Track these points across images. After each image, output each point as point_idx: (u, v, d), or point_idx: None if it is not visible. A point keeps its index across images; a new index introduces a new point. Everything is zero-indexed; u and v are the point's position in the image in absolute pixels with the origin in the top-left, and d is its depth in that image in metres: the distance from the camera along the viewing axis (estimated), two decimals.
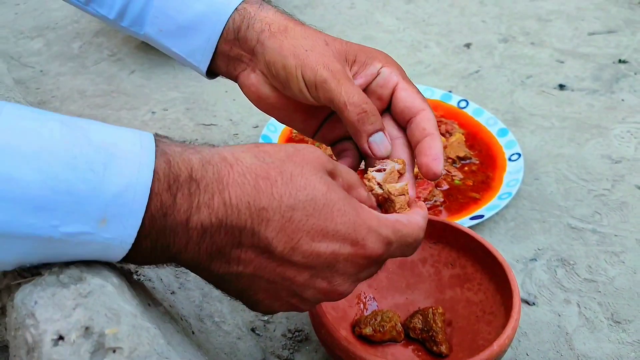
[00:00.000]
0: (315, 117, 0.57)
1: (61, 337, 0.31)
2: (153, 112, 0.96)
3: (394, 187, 0.49)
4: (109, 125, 0.37)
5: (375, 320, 0.58)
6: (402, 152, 0.53)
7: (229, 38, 0.55)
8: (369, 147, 0.51)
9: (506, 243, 0.73)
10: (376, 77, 0.53)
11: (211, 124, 0.93)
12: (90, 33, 1.18)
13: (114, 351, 0.31)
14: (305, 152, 0.42)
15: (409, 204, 0.49)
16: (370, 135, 0.51)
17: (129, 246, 0.35)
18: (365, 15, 1.23)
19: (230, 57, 0.56)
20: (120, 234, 0.34)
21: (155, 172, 0.35)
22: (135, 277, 0.49)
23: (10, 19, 1.22)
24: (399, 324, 0.58)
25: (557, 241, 0.73)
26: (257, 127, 0.92)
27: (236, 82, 0.58)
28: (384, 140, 0.51)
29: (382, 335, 0.58)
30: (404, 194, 0.49)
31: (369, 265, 0.43)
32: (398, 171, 0.51)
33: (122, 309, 0.33)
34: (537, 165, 0.84)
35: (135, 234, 0.35)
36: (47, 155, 0.32)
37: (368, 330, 0.58)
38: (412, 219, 0.45)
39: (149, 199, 0.35)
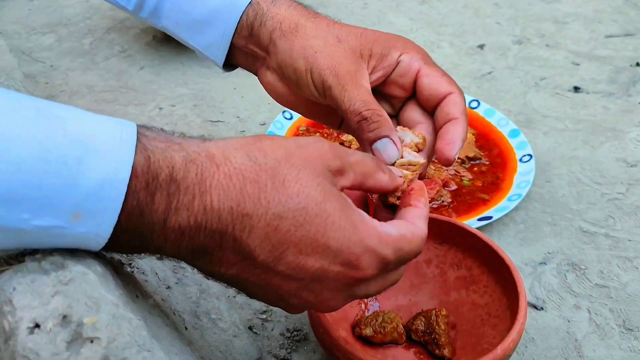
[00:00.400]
0: (336, 113, 0.55)
1: (37, 325, 0.30)
2: (160, 108, 0.95)
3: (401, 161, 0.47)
4: (89, 113, 0.35)
5: (376, 321, 0.56)
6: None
7: (243, 34, 0.54)
8: (374, 155, 0.49)
9: (515, 246, 0.71)
10: (396, 67, 0.51)
11: (218, 121, 0.92)
12: (102, 29, 1.18)
13: (92, 341, 0.30)
14: (308, 150, 0.39)
15: (410, 192, 0.45)
16: (372, 142, 0.48)
17: (105, 241, 0.34)
18: (378, 15, 1.22)
19: (247, 53, 0.55)
20: (95, 230, 0.33)
21: (133, 168, 0.34)
22: (129, 269, 0.48)
23: (24, 15, 1.23)
24: (401, 326, 0.57)
25: (568, 245, 0.71)
26: (264, 124, 0.91)
27: (257, 76, 0.57)
28: (387, 146, 0.48)
29: (383, 336, 0.56)
30: (408, 169, 0.47)
31: (362, 284, 0.40)
32: (416, 145, 0.49)
33: (103, 298, 0.32)
34: (550, 167, 0.82)
35: (111, 230, 0.34)
36: (19, 146, 0.31)
37: (368, 331, 0.56)
38: (416, 230, 0.42)
39: (125, 196, 0.33)
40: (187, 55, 1.07)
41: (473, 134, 0.82)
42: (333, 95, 0.49)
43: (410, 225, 0.42)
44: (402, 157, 0.48)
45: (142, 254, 0.38)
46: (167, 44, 1.11)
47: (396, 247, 0.40)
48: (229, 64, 0.58)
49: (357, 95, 0.48)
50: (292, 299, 0.40)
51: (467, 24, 1.18)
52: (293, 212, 0.36)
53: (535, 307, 0.63)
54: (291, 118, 0.85)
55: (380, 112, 0.48)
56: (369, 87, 0.50)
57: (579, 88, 0.99)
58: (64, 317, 0.30)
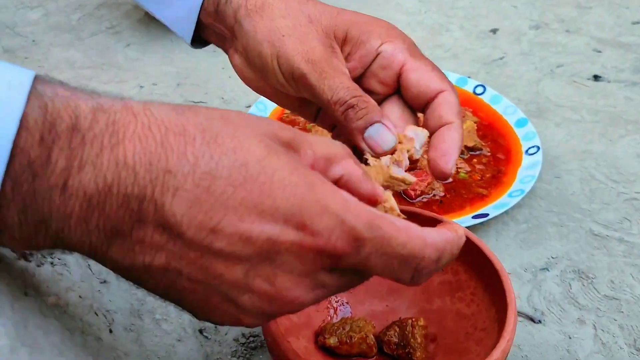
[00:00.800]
0: (311, 102, 0.48)
1: None
2: (141, 87, 0.89)
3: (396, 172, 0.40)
4: None
5: (343, 329, 0.49)
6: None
7: (209, 10, 0.48)
8: (368, 145, 0.42)
9: (514, 248, 0.62)
10: (376, 57, 0.44)
11: (200, 102, 0.85)
12: (92, 5, 1.11)
13: None
14: (251, 117, 0.32)
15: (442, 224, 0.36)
16: (363, 130, 0.42)
17: None
18: None
19: (215, 32, 0.49)
20: None
21: (23, 119, 0.26)
22: (48, 258, 0.41)
23: None
24: (371, 336, 0.49)
25: (575, 249, 0.62)
26: (249, 106, 0.84)
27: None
28: (381, 132, 0.42)
29: (350, 347, 0.48)
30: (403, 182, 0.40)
31: (327, 262, 0.30)
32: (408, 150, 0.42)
33: None
34: (559, 161, 0.73)
35: None
36: None
37: (332, 341, 0.48)
38: (416, 228, 0.32)
39: (11, 155, 0.26)
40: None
41: (475, 122, 0.74)
42: (309, 84, 0.43)
43: (411, 224, 0.32)
44: (394, 152, 0.42)
45: (45, 249, 0.31)
46: (157, 21, 1.04)
47: (372, 223, 0.30)
48: (202, 40, 0.52)
49: (340, 83, 0.42)
50: (243, 297, 0.30)
51: (481, 7, 1.09)
52: (229, 169, 0.29)
53: (532, 319, 0.55)
54: None
55: (366, 98, 0.42)
56: (348, 73, 0.44)
57: (599, 77, 0.89)
58: None
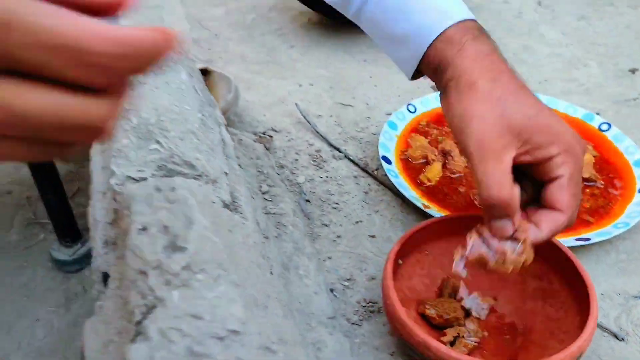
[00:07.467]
0: None
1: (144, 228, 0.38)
2: (300, 85, 1.03)
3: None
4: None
5: (442, 307, 0.60)
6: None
7: (430, 66, 0.57)
8: (488, 226, 0.53)
9: (611, 274, 0.69)
10: (547, 161, 0.52)
11: (348, 105, 0.98)
12: (265, 8, 1.29)
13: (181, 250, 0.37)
14: None
15: None
16: (492, 218, 0.52)
17: None
18: (530, 25, 1.20)
19: (433, 79, 0.59)
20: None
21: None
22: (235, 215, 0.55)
23: None
24: (461, 317, 0.59)
25: None
26: (390, 114, 0.96)
27: None
28: (505, 225, 0.51)
29: (443, 322, 0.59)
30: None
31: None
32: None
33: (196, 220, 0.39)
34: None
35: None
36: None
37: (430, 312, 0.59)
38: (84, 19, 0.24)
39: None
40: (332, 40, 1.15)
41: (594, 156, 0.80)
42: (471, 163, 0.51)
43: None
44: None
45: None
46: (318, 27, 1.19)
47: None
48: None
49: (494, 176, 0.50)
50: None
51: (624, 46, 1.13)
52: None
53: (615, 336, 0.62)
54: (415, 111, 0.89)
55: (509, 202, 0.50)
56: (509, 164, 0.50)
57: None
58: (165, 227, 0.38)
